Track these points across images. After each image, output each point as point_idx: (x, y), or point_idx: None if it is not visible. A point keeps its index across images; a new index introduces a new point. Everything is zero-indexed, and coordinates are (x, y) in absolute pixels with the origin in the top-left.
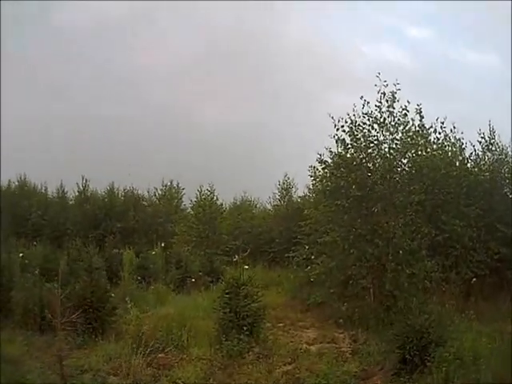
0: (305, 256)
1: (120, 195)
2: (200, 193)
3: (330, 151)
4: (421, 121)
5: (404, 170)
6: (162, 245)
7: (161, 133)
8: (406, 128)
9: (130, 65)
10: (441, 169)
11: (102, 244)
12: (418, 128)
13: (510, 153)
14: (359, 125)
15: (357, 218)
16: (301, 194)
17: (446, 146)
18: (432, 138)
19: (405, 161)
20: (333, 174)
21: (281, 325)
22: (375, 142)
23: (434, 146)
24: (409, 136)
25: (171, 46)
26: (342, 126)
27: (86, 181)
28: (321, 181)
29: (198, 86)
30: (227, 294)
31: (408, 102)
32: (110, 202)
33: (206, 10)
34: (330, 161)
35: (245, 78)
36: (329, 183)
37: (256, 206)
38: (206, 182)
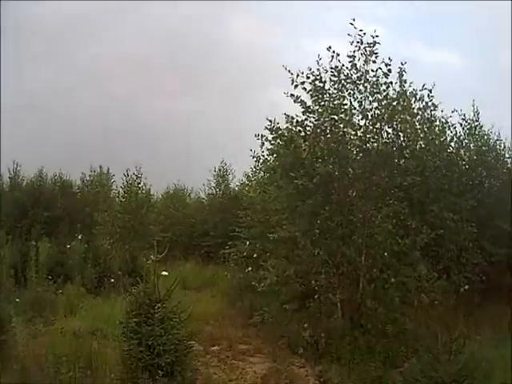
0: (245, 253)
1: (50, 181)
2: (126, 177)
3: (287, 115)
4: (401, 86)
5: (387, 142)
6: (80, 237)
7: (105, 123)
8: (386, 91)
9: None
10: (429, 148)
11: (29, 235)
12: (399, 93)
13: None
14: (325, 82)
15: (324, 205)
16: (239, 183)
17: (432, 121)
18: (416, 107)
19: (389, 130)
20: (290, 143)
21: (216, 348)
22: (346, 106)
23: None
24: (389, 103)
25: (121, 44)
26: (303, 83)
27: (17, 165)
28: (271, 154)
29: (144, 80)
30: (135, 317)
31: (389, 59)
32: (39, 188)
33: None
34: (285, 127)
35: (189, 72)
36: (282, 158)
37: (190, 196)
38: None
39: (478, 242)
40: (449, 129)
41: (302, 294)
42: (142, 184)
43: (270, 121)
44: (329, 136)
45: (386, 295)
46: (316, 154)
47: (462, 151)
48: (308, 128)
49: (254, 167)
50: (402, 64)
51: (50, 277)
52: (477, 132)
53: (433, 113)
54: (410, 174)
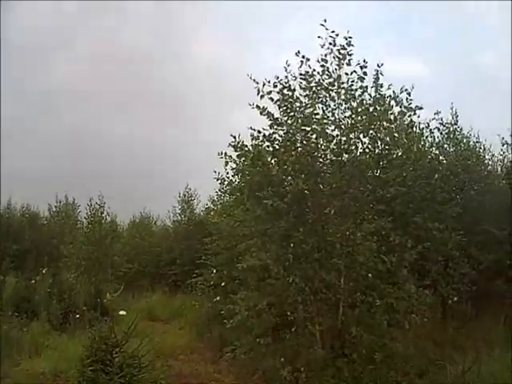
0: (212, 282)
1: (18, 213)
2: (90, 207)
3: (253, 129)
4: (377, 91)
5: (364, 152)
6: (44, 271)
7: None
8: (362, 97)
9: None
10: (409, 155)
11: None
12: (376, 98)
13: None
14: (294, 90)
15: (297, 226)
16: (204, 208)
17: (412, 126)
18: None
19: (365, 139)
20: (256, 160)
21: None
22: (318, 116)
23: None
24: (366, 108)
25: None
26: (270, 93)
27: None
28: (237, 174)
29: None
30: (91, 364)
31: (364, 61)
32: (7, 220)
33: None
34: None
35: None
36: (249, 177)
37: (156, 223)
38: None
39: (465, 250)
40: (430, 134)
41: (277, 325)
42: (105, 213)
43: (234, 137)
44: (300, 149)
45: (372, 320)
46: (286, 170)
47: (441, 157)
48: (276, 142)
49: (219, 190)
50: (378, 66)
51: (16, 313)
52: (456, 135)
53: (412, 117)
54: (392, 185)
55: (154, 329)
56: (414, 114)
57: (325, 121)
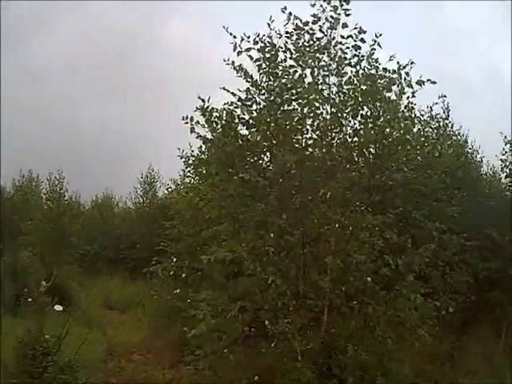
0: (172, 271)
1: None
2: (49, 183)
3: (225, 90)
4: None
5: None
6: None
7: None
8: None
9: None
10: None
11: None
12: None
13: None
14: (278, 49)
15: (280, 211)
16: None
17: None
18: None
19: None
20: (229, 129)
21: None
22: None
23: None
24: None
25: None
26: (249, 50)
27: None
28: (204, 143)
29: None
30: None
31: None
32: None
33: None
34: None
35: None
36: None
37: (118, 205)
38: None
39: (464, 255)
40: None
41: (249, 333)
42: (63, 189)
43: (203, 100)
44: (281, 119)
45: (369, 334)
46: (266, 140)
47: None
48: (254, 108)
49: (183, 170)
50: (376, 36)
51: None
52: (448, 132)
53: (410, 99)
54: (388, 173)
55: (109, 318)
56: (413, 95)
57: (312, 89)
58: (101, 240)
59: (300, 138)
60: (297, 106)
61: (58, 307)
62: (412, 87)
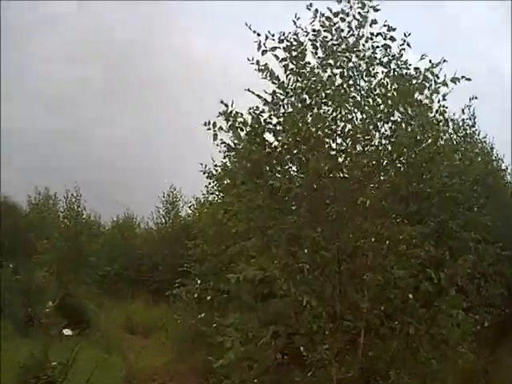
0: (196, 295)
1: None
2: (66, 200)
3: (250, 91)
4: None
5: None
6: (10, 266)
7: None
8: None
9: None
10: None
11: None
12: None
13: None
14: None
15: (314, 223)
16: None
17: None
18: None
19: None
20: (254, 136)
21: None
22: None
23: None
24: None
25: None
26: (274, 49)
27: None
28: (229, 152)
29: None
30: None
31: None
32: None
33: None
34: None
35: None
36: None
37: (139, 225)
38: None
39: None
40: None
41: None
42: (81, 208)
43: (226, 105)
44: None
45: (411, 356)
46: (297, 145)
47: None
48: (282, 111)
49: (206, 187)
50: (405, 35)
51: None
52: (475, 139)
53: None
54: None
55: (130, 343)
56: (444, 98)
57: (341, 92)
58: (122, 260)
59: (332, 143)
60: (327, 109)
61: (67, 331)
62: (447, 85)
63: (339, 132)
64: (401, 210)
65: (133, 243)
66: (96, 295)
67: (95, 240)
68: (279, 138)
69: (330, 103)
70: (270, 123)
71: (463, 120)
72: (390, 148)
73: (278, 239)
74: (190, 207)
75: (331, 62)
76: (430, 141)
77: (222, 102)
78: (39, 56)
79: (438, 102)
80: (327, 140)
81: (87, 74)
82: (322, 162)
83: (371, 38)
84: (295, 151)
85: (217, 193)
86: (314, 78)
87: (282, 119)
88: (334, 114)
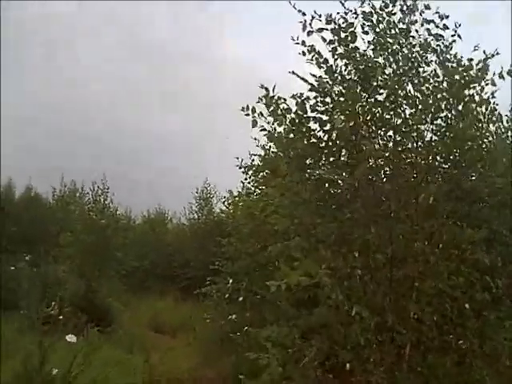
0: (227, 294)
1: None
2: (92, 192)
3: (294, 74)
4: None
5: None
6: (27, 258)
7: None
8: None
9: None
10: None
11: None
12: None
13: None
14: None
15: (367, 223)
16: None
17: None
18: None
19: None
20: (299, 123)
21: None
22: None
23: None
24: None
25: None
26: (321, 31)
27: None
28: (270, 141)
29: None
30: None
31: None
32: (8, 199)
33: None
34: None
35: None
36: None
37: (171, 220)
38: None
39: None
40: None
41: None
42: (108, 200)
43: (266, 89)
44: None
45: (467, 374)
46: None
47: None
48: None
49: (242, 182)
50: (456, 26)
51: None
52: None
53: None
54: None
55: (156, 342)
56: (493, 96)
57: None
58: (152, 256)
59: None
60: (380, 98)
61: (71, 337)
62: (503, 78)
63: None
64: (456, 211)
65: (164, 239)
66: (122, 291)
67: (122, 234)
68: (327, 127)
69: (382, 91)
70: (317, 110)
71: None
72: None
73: (326, 239)
74: (223, 202)
75: (380, 49)
76: (480, 140)
77: (262, 86)
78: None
79: (488, 98)
80: (384, 128)
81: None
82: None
83: (422, 25)
84: (350, 137)
85: (255, 185)
86: (368, 64)
87: (331, 105)
88: (387, 103)
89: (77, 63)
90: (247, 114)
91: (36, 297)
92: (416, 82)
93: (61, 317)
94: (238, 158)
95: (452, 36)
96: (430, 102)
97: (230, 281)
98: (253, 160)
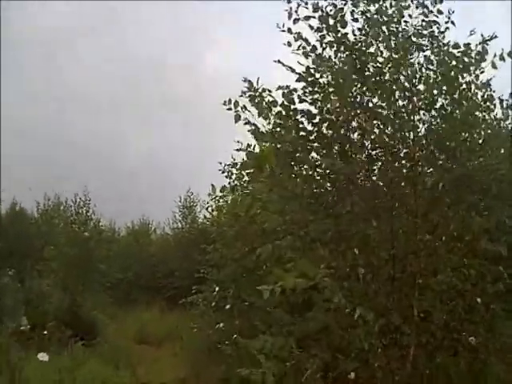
0: (214, 302)
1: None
2: (74, 204)
3: (279, 63)
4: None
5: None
6: (10, 272)
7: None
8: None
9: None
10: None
11: None
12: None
13: None
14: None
15: (367, 216)
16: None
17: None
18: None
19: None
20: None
21: None
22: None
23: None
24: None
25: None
26: (308, 19)
27: None
28: (254, 134)
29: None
30: None
31: None
32: None
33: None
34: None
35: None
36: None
37: (155, 231)
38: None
39: None
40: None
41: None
42: (90, 212)
43: (250, 81)
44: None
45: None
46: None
47: None
48: (318, 87)
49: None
50: (449, 13)
51: None
52: None
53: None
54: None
55: (142, 354)
56: (489, 84)
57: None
58: (136, 268)
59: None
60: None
61: (43, 356)
62: (504, 60)
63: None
64: (462, 200)
65: (148, 250)
66: (107, 304)
67: (107, 246)
68: (316, 119)
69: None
70: (305, 100)
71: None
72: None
73: (321, 237)
74: (207, 208)
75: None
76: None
77: (245, 79)
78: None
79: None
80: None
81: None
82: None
83: (417, 7)
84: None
85: (240, 181)
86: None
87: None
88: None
89: (77, 64)
90: (229, 109)
91: (20, 313)
92: (409, 71)
93: (45, 332)
94: (220, 163)
95: (446, 23)
96: (423, 90)
97: (217, 288)
98: (235, 159)
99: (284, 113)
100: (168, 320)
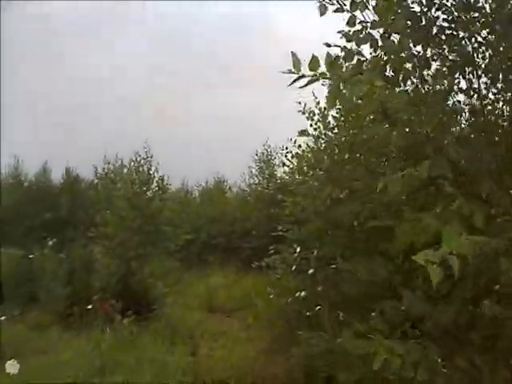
0: (294, 266)
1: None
2: (135, 162)
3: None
4: None
5: None
6: (50, 243)
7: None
8: None
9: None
10: None
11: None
12: None
13: None
14: None
15: None
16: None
17: None
18: None
19: None
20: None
21: None
22: None
23: None
24: None
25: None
26: None
27: (18, 161)
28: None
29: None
30: None
31: None
32: (40, 186)
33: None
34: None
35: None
36: None
37: (230, 189)
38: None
39: None
40: None
41: None
42: (153, 171)
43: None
44: None
45: None
46: None
47: None
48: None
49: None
50: None
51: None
52: None
53: None
54: None
55: (207, 326)
56: None
57: None
58: (210, 228)
59: None
60: None
61: (13, 364)
62: None
63: None
64: None
65: (223, 208)
66: (172, 269)
67: (175, 207)
68: None
69: None
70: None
71: None
72: None
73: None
74: (285, 154)
75: None
76: None
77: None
78: None
79: None
80: None
81: None
82: None
83: None
84: None
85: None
86: None
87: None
88: None
89: (77, 63)
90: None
91: (59, 287)
92: None
93: (90, 306)
94: (300, 103)
95: None
96: None
97: (298, 249)
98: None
99: None
100: (242, 284)
